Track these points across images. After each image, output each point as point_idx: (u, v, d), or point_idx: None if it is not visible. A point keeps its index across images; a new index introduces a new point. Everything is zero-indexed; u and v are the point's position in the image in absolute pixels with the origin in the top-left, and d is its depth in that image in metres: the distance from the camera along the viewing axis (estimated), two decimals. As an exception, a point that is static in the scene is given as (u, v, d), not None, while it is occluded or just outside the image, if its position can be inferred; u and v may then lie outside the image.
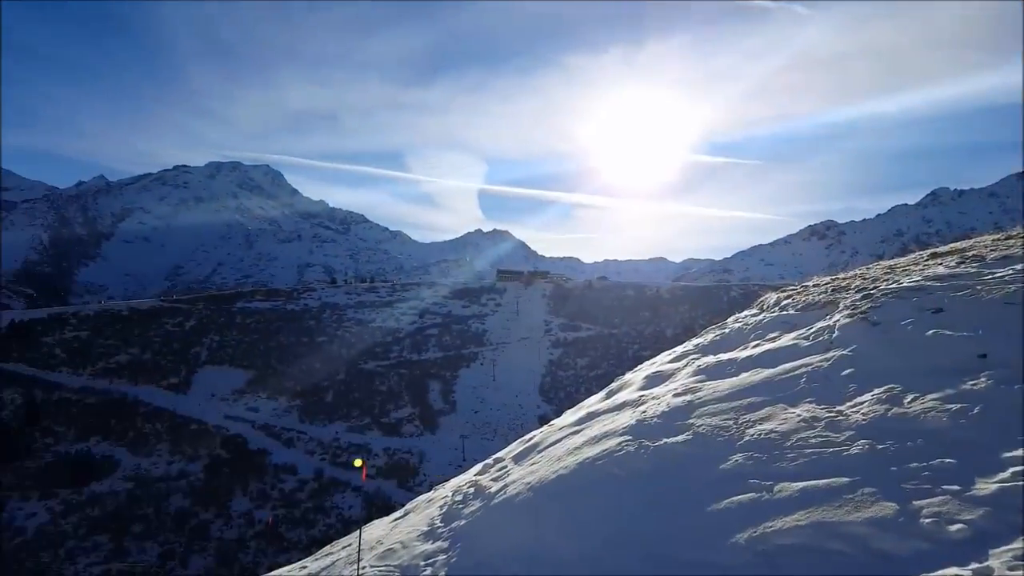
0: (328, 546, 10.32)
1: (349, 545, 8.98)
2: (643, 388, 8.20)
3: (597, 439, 6.67)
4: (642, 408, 7.06)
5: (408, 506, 9.69)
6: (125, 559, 42.61)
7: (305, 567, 8.98)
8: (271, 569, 35.13)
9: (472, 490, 7.64)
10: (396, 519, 9.08)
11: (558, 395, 68.28)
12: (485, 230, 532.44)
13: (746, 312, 9.59)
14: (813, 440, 4.83)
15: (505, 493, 6.77)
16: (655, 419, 6.46)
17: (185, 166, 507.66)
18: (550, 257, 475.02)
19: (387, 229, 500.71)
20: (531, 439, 8.60)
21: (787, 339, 7.16)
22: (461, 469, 49.71)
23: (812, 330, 6.98)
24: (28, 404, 57.67)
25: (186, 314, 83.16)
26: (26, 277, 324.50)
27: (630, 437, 6.25)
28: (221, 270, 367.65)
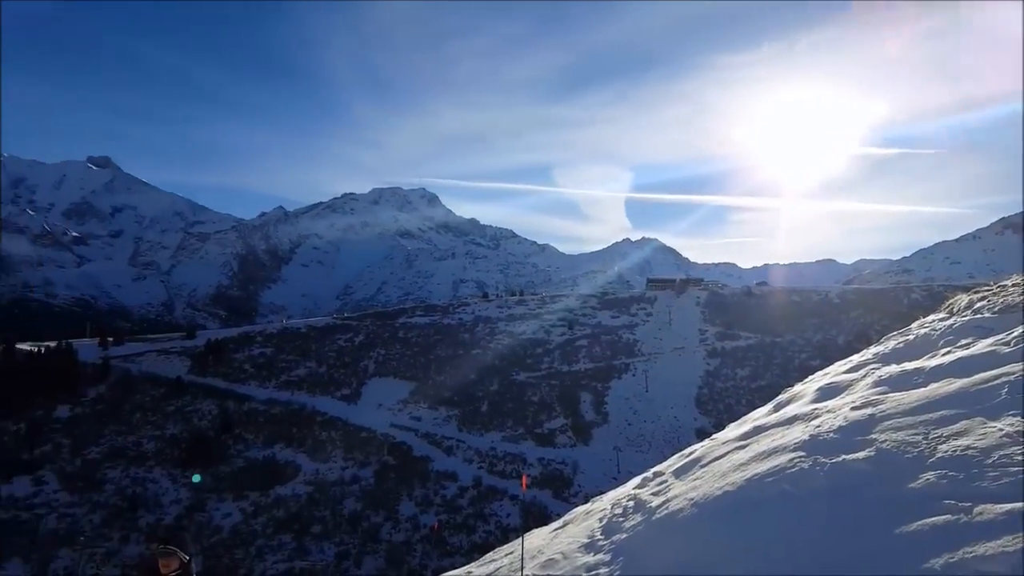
0: (491, 553, 10.55)
1: (511, 553, 9.13)
2: (816, 401, 7.66)
3: (766, 455, 6.32)
4: (816, 422, 6.59)
5: (566, 517, 9.70)
6: (306, 558, 46.18)
7: (471, 572, 9.24)
8: (437, 573, 36.41)
9: (632, 504, 7.50)
10: (555, 529, 9.12)
11: (716, 407, 65.60)
12: (633, 239, 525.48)
13: (932, 316, 8.69)
14: (1020, 457, 4.26)
15: (667, 508, 6.59)
16: (831, 434, 6.01)
17: (352, 194, 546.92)
18: (704, 264, 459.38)
19: (535, 243, 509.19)
20: (692, 453, 8.32)
21: (983, 346, 6.39)
22: (616, 481, 49.00)
23: (1012, 335, 6.19)
24: (222, 414, 64.46)
25: (355, 330, 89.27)
26: (219, 300, 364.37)
27: (803, 453, 5.86)
28: (385, 288, 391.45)
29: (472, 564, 10.21)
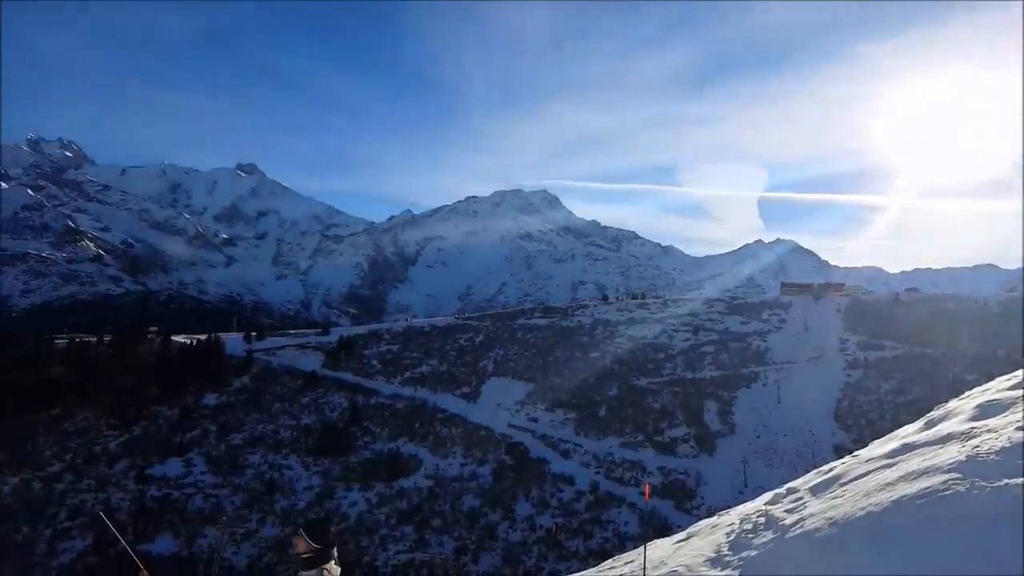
0: (610, 560, 10.37)
1: (632, 562, 8.93)
2: (975, 419, 6.93)
3: (915, 475, 5.77)
4: (974, 442, 5.94)
5: (691, 529, 9.36)
6: (426, 550, 47.61)
7: (589, 578, 9.12)
8: (552, 575, 36.28)
9: (763, 520, 7.12)
10: (679, 541, 8.81)
11: (857, 422, 61.34)
12: (766, 240, 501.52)
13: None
14: None
15: (802, 527, 6.17)
16: (992, 456, 5.39)
17: (474, 197, 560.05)
18: (845, 267, 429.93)
19: (659, 244, 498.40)
20: (831, 470, 7.77)
21: None
22: (743, 496, 47.00)
23: None
24: (352, 407, 67.83)
25: (475, 330, 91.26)
26: (351, 298, 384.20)
27: (959, 475, 5.29)
28: (505, 289, 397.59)
29: (591, 570, 10.07)
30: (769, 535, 6.63)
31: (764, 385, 70.28)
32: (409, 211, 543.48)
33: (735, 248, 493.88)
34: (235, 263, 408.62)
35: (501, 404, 69.57)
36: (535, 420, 66.59)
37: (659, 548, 9.01)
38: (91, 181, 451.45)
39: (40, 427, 65.23)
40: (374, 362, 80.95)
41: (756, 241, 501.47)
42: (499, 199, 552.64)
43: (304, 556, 5.07)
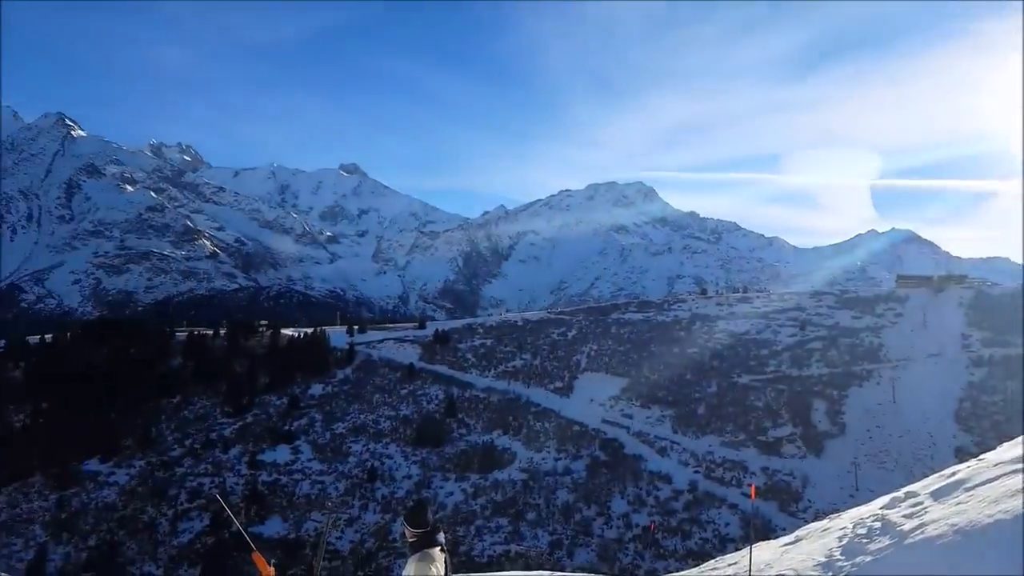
0: (712, 561, 10.05)
1: (735, 564, 8.61)
2: None
3: (1056, 482, 5.23)
4: None
5: (799, 532, 8.91)
6: (521, 542, 47.98)
7: (690, 578, 8.88)
8: (650, 574, 35.61)
9: (879, 525, 6.68)
10: (786, 544, 8.42)
11: (980, 424, 56.89)
12: (880, 230, 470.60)
13: None
14: None
15: (922, 533, 5.73)
16: None
17: (568, 190, 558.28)
18: (968, 258, 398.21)
19: (762, 236, 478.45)
20: (954, 474, 7.20)
21: None
22: (854, 499, 44.60)
23: None
24: (448, 399, 69.25)
25: (568, 325, 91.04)
26: (446, 293, 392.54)
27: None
28: (598, 284, 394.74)
29: (692, 570, 9.80)
30: (886, 540, 6.24)
31: (878, 384, 66.31)
32: (502, 207, 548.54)
33: (845, 238, 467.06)
34: (338, 259, 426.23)
35: (595, 399, 69.11)
36: (630, 416, 65.74)
37: (765, 550, 8.66)
38: (207, 183, 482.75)
39: (163, 414, 70.46)
40: (469, 355, 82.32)
41: (869, 231, 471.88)
42: (592, 192, 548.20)
43: (410, 541, 5.30)
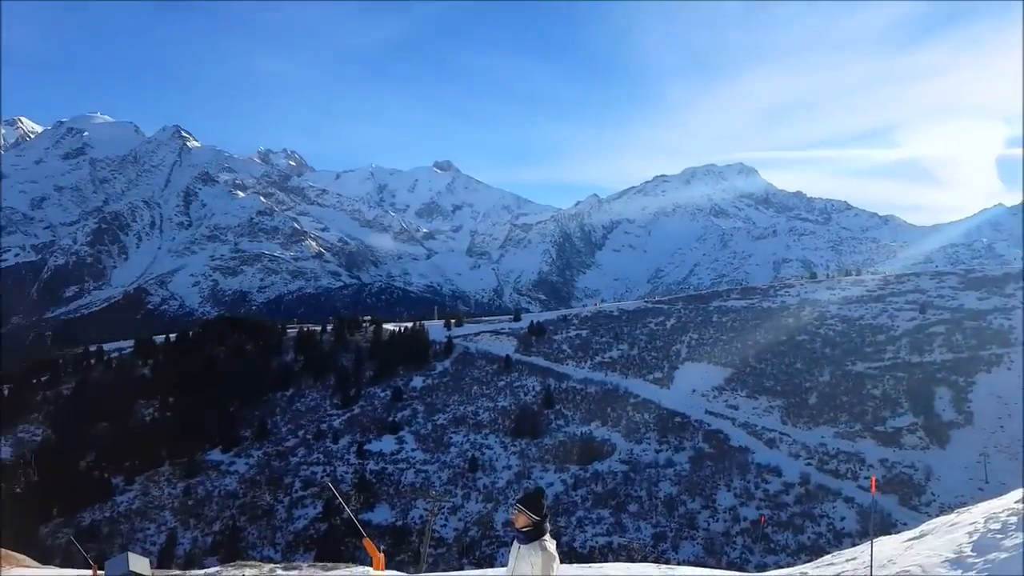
0: (828, 556, 9.37)
1: (854, 559, 7.96)
2: None
3: None
4: None
5: (924, 527, 8.14)
6: (623, 534, 47.40)
7: (806, 573, 8.31)
8: (760, 568, 34.25)
9: (1015, 520, 5.96)
10: (910, 540, 7.68)
11: None
12: (1008, 204, 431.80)
13: None
14: None
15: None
16: None
17: (663, 175, 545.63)
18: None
19: (875, 214, 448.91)
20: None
21: None
22: (983, 493, 41.41)
23: None
24: (544, 390, 69.29)
25: (667, 314, 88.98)
26: (540, 285, 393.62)
27: None
28: (697, 271, 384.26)
29: (806, 565, 9.20)
30: (1022, 537, 5.54)
31: (1009, 369, 60.95)
32: (595, 195, 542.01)
33: (968, 214, 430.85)
34: (434, 255, 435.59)
35: (697, 390, 67.24)
36: (735, 407, 63.53)
37: (886, 545, 7.97)
38: (311, 186, 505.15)
39: (277, 407, 74.37)
40: (564, 347, 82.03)
41: (995, 205, 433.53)
42: (689, 176, 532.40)
43: (523, 529, 5.29)
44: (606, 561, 36.33)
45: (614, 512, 49.89)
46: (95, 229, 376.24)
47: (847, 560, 8.17)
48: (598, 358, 77.40)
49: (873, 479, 10.45)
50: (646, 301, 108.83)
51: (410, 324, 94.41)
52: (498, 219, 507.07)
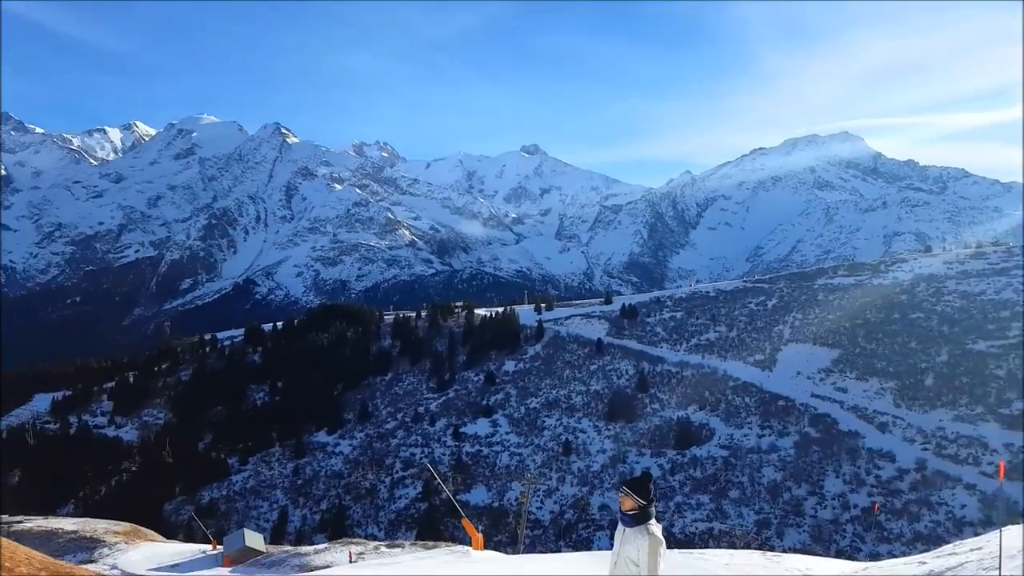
0: (949, 545, 8.57)
1: (979, 549, 7.20)
2: None
3: None
4: None
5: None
6: (724, 520, 46.06)
7: (924, 563, 7.60)
8: (872, 558, 32.47)
9: None
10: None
11: None
12: None
13: None
14: None
15: None
16: None
17: (761, 148, 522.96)
18: None
19: (996, 181, 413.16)
20: None
21: None
22: None
23: None
24: (638, 374, 68.11)
25: (768, 293, 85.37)
26: (631, 267, 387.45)
27: None
28: (800, 247, 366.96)
29: (926, 554, 8.41)
30: None
31: None
32: (688, 172, 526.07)
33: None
34: (523, 240, 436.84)
35: (801, 373, 64.29)
36: (844, 390, 60.32)
37: (1014, 535, 7.15)
38: (403, 176, 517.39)
39: (377, 390, 76.87)
40: (658, 329, 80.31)
41: None
42: (790, 148, 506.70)
43: (629, 512, 5.32)
44: (707, 547, 35.38)
45: (714, 498, 48.60)
46: (206, 225, 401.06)
47: (971, 550, 7.40)
48: (694, 340, 75.29)
49: (1001, 464, 9.43)
50: (745, 281, 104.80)
51: (501, 309, 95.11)
52: (587, 201, 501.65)
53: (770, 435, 55.10)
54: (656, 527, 5.24)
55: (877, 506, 43.70)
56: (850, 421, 55.12)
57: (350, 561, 24.31)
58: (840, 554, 39.58)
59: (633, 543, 5.19)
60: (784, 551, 39.45)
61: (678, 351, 73.56)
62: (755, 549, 33.12)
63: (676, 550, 17.75)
